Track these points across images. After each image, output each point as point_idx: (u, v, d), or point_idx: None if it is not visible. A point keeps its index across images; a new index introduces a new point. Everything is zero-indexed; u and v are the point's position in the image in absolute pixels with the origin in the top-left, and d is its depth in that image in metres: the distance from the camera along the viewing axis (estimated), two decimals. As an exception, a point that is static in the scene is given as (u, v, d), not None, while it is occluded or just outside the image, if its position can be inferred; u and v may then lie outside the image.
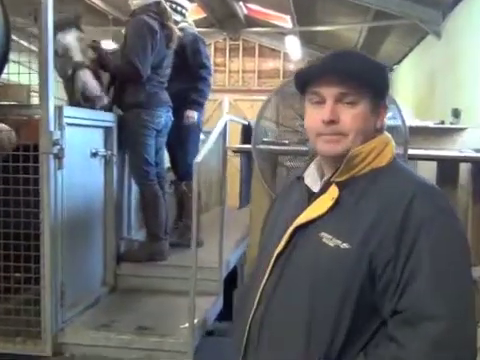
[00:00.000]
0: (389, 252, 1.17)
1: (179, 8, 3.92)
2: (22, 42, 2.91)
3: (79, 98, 3.27)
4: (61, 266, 2.80)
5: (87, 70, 3.34)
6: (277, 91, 2.63)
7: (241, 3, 9.49)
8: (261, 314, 1.32)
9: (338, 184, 1.29)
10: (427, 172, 3.38)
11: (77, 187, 2.98)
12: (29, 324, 2.73)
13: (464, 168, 3.14)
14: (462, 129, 4.17)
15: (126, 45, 3.54)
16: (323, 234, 1.25)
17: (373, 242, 1.19)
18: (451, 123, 4.84)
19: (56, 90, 3.53)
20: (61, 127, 2.72)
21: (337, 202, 1.27)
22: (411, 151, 2.76)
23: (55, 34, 3.21)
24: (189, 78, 3.91)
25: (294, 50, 9.73)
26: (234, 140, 4.77)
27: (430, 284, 1.14)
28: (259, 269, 1.40)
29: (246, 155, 3.30)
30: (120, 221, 3.64)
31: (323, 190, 1.32)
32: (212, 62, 10.72)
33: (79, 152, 3.02)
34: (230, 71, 10.92)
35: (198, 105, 4.02)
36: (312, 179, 1.40)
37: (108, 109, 3.52)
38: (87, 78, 3.31)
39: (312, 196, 1.35)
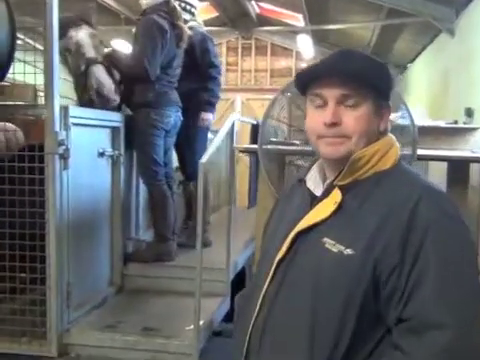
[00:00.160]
0: (394, 258, 1.14)
1: (188, 7, 3.89)
2: (28, 40, 2.89)
3: (92, 95, 3.27)
4: (67, 266, 2.80)
5: (100, 66, 3.36)
6: (284, 90, 2.60)
7: (253, 2, 9.45)
8: (263, 319, 1.29)
9: (341, 188, 1.26)
10: (438, 173, 3.34)
11: (83, 187, 2.98)
12: (35, 324, 2.73)
13: (475, 169, 3.09)
14: (475, 129, 4.09)
15: (135, 44, 3.54)
16: (326, 239, 1.22)
17: (378, 247, 1.16)
18: (464, 122, 4.78)
19: (66, 89, 3.56)
20: (67, 127, 2.72)
21: (340, 206, 1.24)
22: (421, 151, 2.71)
23: (67, 31, 3.23)
24: (199, 78, 3.89)
25: (306, 49, 9.68)
26: (246, 140, 4.76)
27: (436, 292, 1.11)
28: (260, 274, 1.38)
29: (255, 155, 3.27)
30: (128, 221, 3.64)
31: (326, 194, 1.29)
32: (224, 61, 10.76)
33: (85, 152, 3.01)
34: (242, 70, 10.88)
35: (211, 106, 4.02)
36: (314, 182, 1.37)
37: (117, 108, 3.52)
38: (100, 74, 3.33)
39: (314, 200, 1.32)
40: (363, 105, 1.24)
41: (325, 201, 1.28)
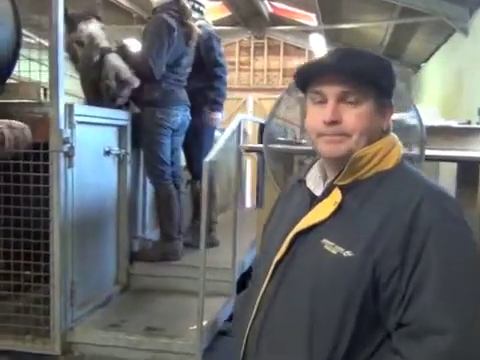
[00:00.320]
0: (395, 260, 1.12)
1: (196, 5, 3.89)
2: (33, 38, 2.90)
3: (109, 82, 3.27)
4: (71, 265, 2.79)
5: (115, 54, 3.39)
6: (289, 89, 2.56)
7: (266, 1, 9.44)
8: (260, 321, 1.28)
9: (341, 188, 1.24)
10: (449, 174, 3.29)
11: (89, 185, 2.97)
12: (38, 322, 2.73)
13: (487, 170, 3.02)
14: (487, 129, 4.02)
15: (144, 42, 3.54)
16: (325, 241, 1.20)
17: (377, 249, 1.13)
18: (478, 123, 4.71)
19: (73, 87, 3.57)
20: (72, 125, 2.71)
21: (340, 206, 1.22)
22: (429, 152, 2.66)
23: (77, 25, 3.25)
24: (204, 76, 3.88)
25: (319, 48, 9.64)
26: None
27: (437, 296, 1.09)
28: (259, 275, 1.36)
29: (263, 155, 3.24)
30: (134, 220, 3.63)
31: (325, 194, 1.27)
32: (236, 61, 10.77)
33: (91, 150, 3.00)
34: (255, 70, 10.88)
35: (219, 105, 4.00)
36: (314, 182, 1.35)
37: (124, 106, 3.51)
38: (116, 61, 3.35)
39: (314, 200, 1.30)
40: (364, 103, 1.22)
41: (325, 201, 1.26)
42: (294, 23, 10.03)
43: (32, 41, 2.87)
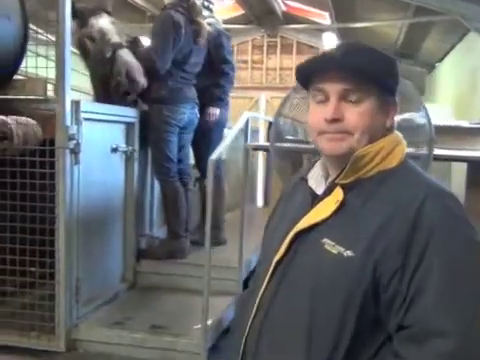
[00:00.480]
0: (396, 261, 1.09)
1: (206, 3, 3.87)
2: (40, 33, 2.90)
3: (120, 79, 3.28)
4: (77, 262, 2.80)
5: (126, 50, 3.39)
6: (296, 88, 2.54)
7: (279, 0, 9.40)
8: (260, 321, 1.26)
9: (343, 186, 1.21)
10: (460, 174, 3.25)
11: (95, 182, 2.97)
12: (44, 319, 2.73)
13: (497, 170, 2.97)
14: (500, 129, 3.96)
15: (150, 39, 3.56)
16: (325, 240, 1.18)
17: (378, 249, 1.11)
18: (490, 123, 4.65)
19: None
20: (78, 122, 2.71)
21: (342, 205, 1.19)
22: (438, 151, 2.63)
23: (87, 20, 3.25)
24: (212, 74, 3.86)
25: (332, 47, 9.59)
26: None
27: (439, 298, 1.06)
28: (259, 275, 1.34)
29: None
30: (142, 218, 3.63)
31: (327, 192, 1.25)
32: (249, 59, 10.74)
33: (98, 147, 3.00)
34: (267, 68, 10.84)
35: (220, 101, 3.97)
36: (316, 180, 1.32)
37: (133, 104, 3.51)
38: (128, 57, 3.35)
39: (316, 198, 1.27)
40: (366, 101, 1.19)
41: (326, 200, 1.23)
42: (307, 21, 9.99)
43: (40, 36, 2.86)
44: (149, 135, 3.50)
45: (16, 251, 2.71)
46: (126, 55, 3.36)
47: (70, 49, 2.65)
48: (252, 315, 1.28)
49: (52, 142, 2.68)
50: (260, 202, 6.65)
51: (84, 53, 3.44)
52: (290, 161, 2.83)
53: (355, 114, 1.19)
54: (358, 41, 1.37)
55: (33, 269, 2.75)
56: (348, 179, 1.21)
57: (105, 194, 3.13)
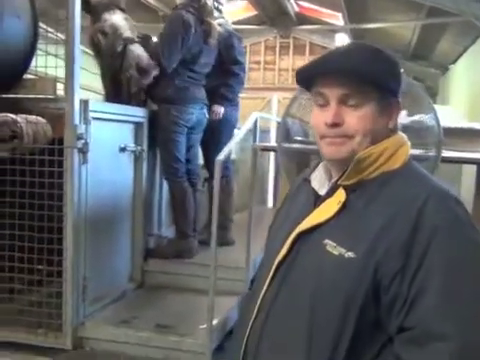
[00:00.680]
0: (397, 262, 1.08)
1: (215, 4, 3.88)
2: (50, 31, 2.92)
3: (130, 73, 3.29)
4: (84, 260, 2.81)
5: (137, 44, 3.41)
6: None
7: (292, 0, 9.39)
8: (261, 322, 1.26)
9: (346, 187, 1.21)
10: (471, 176, 3.22)
11: (104, 182, 2.98)
12: (51, 317, 2.74)
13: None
14: (513, 132, 3.91)
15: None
16: (327, 241, 1.18)
17: (379, 250, 1.10)
18: (503, 125, 4.59)
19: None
20: (86, 121, 2.72)
21: (344, 206, 1.19)
22: (447, 153, 2.61)
23: (100, 15, 3.28)
24: (222, 74, 3.86)
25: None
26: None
27: (440, 300, 1.05)
28: (262, 274, 1.34)
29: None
30: (150, 217, 3.64)
31: (330, 193, 1.25)
32: (262, 60, 10.73)
33: (106, 147, 3.02)
34: (280, 69, 10.82)
35: (226, 100, 3.97)
36: (319, 182, 1.32)
37: (142, 103, 3.52)
38: (139, 51, 3.38)
39: (318, 199, 1.27)
40: (366, 105, 1.18)
41: (329, 201, 1.23)
42: (320, 22, 9.97)
43: (50, 35, 2.88)
44: (157, 135, 3.52)
45: (24, 249, 2.73)
46: (136, 49, 3.39)
47: (80, 47, 2.66)
48: (253, 316, 1.28)
49: (61, 141, 2.69)
50: (270, 203, 6.65)
51: (96, 48, 3.46)
52: (296, 162, 2.82)
53: (355, 118, 1.19)
54: (362, 42, 1.36)
55: (41, 267, 2.76)
56: (351, 180, 1.21)
57: (114, 193, 3.15)
